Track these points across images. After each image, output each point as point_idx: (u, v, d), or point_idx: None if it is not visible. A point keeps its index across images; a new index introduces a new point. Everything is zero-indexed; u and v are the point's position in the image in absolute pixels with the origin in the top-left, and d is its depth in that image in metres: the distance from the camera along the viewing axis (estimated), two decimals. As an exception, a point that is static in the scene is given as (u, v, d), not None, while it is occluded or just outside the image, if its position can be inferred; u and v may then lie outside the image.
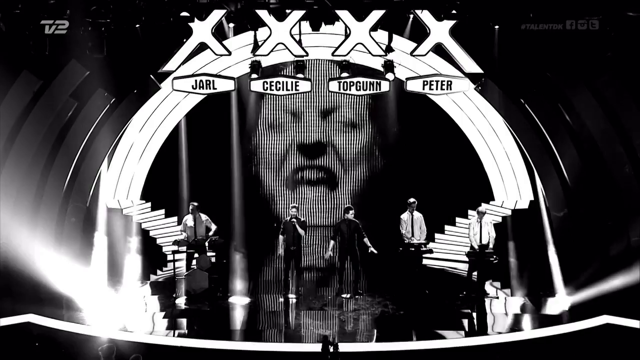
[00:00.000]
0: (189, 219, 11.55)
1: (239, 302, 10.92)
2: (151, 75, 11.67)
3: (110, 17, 9.43)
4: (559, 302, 10.77)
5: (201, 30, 10.09)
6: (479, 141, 13.05)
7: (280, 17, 9.98)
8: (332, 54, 10.47)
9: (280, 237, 11.18)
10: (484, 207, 11.56)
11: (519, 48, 10.70)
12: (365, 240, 11.08)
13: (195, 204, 11.59)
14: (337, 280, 11.41)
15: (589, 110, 11.09)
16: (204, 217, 11.55)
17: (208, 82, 10.62)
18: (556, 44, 10.25)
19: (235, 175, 13.51)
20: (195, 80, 10.62)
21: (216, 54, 10.49)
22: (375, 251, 11.04)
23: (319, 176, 13.79)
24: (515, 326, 10.01)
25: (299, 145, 13.72)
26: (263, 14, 9.95)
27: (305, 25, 10.66)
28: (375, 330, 9.80)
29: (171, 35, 10.36)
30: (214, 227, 11.54)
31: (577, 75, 10.89)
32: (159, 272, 12.87)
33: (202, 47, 10.35)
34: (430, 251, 11.56)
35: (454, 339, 9.43)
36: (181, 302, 10.90)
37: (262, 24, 10.14)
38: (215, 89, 10.69)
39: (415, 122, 13.23)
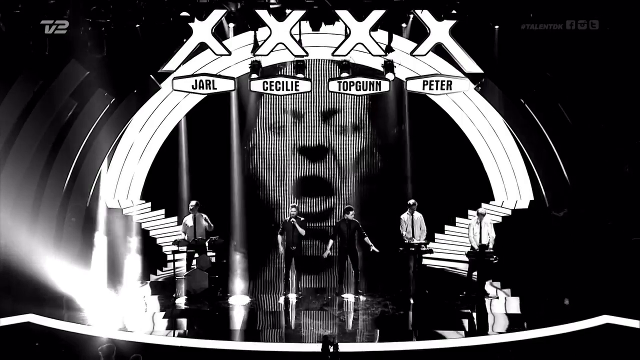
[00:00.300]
0: (188, 219, 11.54)
1: (239, 302, 10.92)
2: (151, 75, 11.67)
3: (110, 17, 9.44)
4: (559, 302, 10.77)
5: (201, 30, 10.10)
6: (479, 141, 13.05)
7: (280, 17, 9.98)
8: (332, 54, 10.47)
9: (279, 236, 11.19)
10: (483, 208, 11.55)
11: (519, 48, 10.70)
12: (367, 239, 11.07)
13: (195, 203, 11.58)
14: (337, 280, 11.41)
15: (589, 110, 11.11)
16: (204, 216, 11.54)
17: (208, 82, 10.62)
18: (556, 44, 10.26)
19: (235, 175, 13.51)
20: (195, 80, 10.62)
21: (216, 54, 10.49)
22: (377, 250, 11.03)
23: (320, 186, 13.79)
24: (515, 326, 10.00)
25: (300, 148, 13.70)
26: (263, 14, 9.96)
27: (305, 25, 10.66)
28: (377, 330, 9.79)
29: (171, 35, 10.36)
30: (210, 226, 11.49)
31: (577, 75, 10.90)
32: (159, 272, 12.86)
33: (202, 47, 10.36)
34: (430, 251, 11.55)
35: (454, 339, 9.43)
36: (181, 302, 10.89)
37: (262, 24, 10.15)
38: (215, 89, 10.69)
39: (415, 122, 13.22)
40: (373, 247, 11.04)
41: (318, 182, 13.84)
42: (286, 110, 13.58)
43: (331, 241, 11.29)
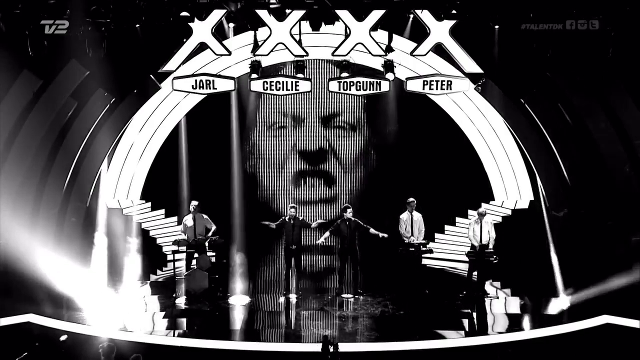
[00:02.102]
0: (188, 219, 11.56)
1: (239, 302, 10.92)
2: (151, 75, 11.67)
3: (110, 17, 9.42)
4: (559, 302, 10.77)
5: (201, 30, 10.08)
6: (479, 141, 13.04)
7: (280, 17, 9.97)
8: (332, 54, 10.46)
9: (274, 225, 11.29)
10: (484, 208, 11.55)
11: (519, 48, 10.70)
12: (372, 230, 11.09)
13: (196, 203, 11.60)
14: (337, 280, 11.42)
15: (589, 110, 11.11)
16: (204, 216, 11.55)
17: (208, 82, 10.60)
18: (556, 44, 10.25)
19: (235, 175, 13.50)
20: (195, 80, 10.61)
21: (216, 54, 10.49)
22: (385, 235, 11.03)
23: (319, 181, 13.73)
24: (515, 326, 10.00)
25: (300, 151, 13.65)
26: (263, 14, 9.95)
27: (305, 25, 10.65)
28: (375, 330, 9.79)
29: (171, 35, 10.35)
30: (213, 227, 11.56)
31: (577, 75, 10.90)
32: (159, 272, 12.87)
33: (202, 47, 10.35)
34: (430, 251, 11.55)
35: (454, 339, 9.43)
36: (181, 302, 10.90)
37: (262, 24, 10.14)
38: (215, 89, 10.68)
39: (415, 122, 13.20)
40: (381, 234, 11.04)
41: (318, 183, 13.81)
42: (286, 113, 13.53)
43: (327, 232, 11.33)
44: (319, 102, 13.38)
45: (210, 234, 11.51)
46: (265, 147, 13.67)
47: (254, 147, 13.62)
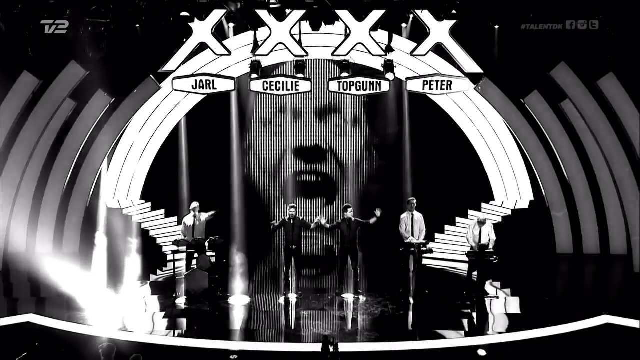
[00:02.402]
0: (188, 219, 11.56)
1: (239, 302, 10.92)
2: (151, 75, 11.68)
3: (110, 17, 9.44)
4: (558, 301, 10.77)
5: (201, 30, 10.11)
6: (479, 141, 13.04)
7: (280, 17, 9.99)
8: (332, 54, 10.47)
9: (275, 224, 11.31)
10: (484, 217, 11.52)
11: (519, 48, 10.71)
12: (372, 221, 11.04)
13: (196, 204, 11.60)
14: (337, 280, 11.42)
15: (589, 110, 11.12)
16: (204, 215, 11.55)
17: (208, 82, 10.62)
18: (556, 44, 10.27)
19: (234, 175, 13.50)
20: (195, 80, 10.62)
21: (216, 54, 10.50)
22: (378, 212, 10.95)
23: (318, 182, 13.68)
24: (515, 326, 9.99)
25: (296, 149, 13.61)
26: (263, 14, 9.97)
27: (305, 25, 10.66)
28: (375, 330, 9.79)
29: (171, 35, 10.37)
30: (215, 211, 11.57)
31: (577, 75, 10.92)
32: (159, 272, 12.86)
33: (202, 47, 10.36)
34: (430, 251, 11.55)
35: (454, 339, 9.43)
36: (181, 302, 10.90)
37: (262, 24, 10.15)
38: (215, 89, 10.69)
39: (415, 122, 13.20)
40: (377, 211, 10.95)
41: (318, 183, 13.80)
42: (285, 109, 13.50)
43: (328, 225, 11.37)
44: (319, 102, 13.38)
45: (212, 212, 11.51)
46: (262, 148, 13.59)
47: (250, 147, 13.56)
